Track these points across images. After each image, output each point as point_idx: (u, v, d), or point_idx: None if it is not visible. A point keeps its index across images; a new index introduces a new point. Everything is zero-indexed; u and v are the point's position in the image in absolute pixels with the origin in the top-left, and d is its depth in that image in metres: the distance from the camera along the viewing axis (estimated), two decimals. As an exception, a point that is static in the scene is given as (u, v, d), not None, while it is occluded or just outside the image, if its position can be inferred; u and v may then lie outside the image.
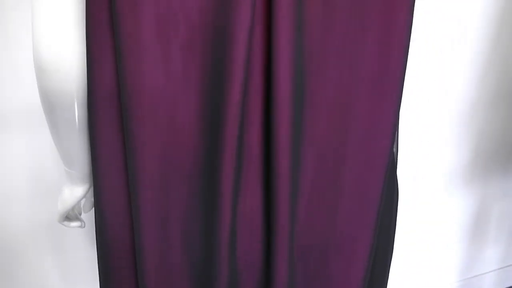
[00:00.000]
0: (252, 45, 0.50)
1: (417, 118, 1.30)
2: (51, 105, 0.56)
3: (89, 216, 1.09)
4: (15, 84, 0.97)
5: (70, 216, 0.73)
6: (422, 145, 1.34)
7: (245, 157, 0.54)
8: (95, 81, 0.53)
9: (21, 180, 1.06)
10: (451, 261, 1.55)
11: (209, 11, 0.48)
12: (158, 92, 0.51)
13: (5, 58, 0.95)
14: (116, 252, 0.62)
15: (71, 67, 0.53)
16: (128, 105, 0.51)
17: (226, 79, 0.49)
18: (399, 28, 0.53)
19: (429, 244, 1.49)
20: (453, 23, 1.21)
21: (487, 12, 1.23)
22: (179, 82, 0.51)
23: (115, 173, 0.57)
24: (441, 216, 1.46)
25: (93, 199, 0.72)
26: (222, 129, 0.51)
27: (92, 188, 0.68)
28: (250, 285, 0.59)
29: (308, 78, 0.51)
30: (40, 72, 0.53)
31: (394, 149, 0.65)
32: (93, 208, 0.71)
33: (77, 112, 0.57)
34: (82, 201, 0.74)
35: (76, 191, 0.66)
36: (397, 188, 0.68)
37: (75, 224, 0.74)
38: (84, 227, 0.75)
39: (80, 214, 0.76)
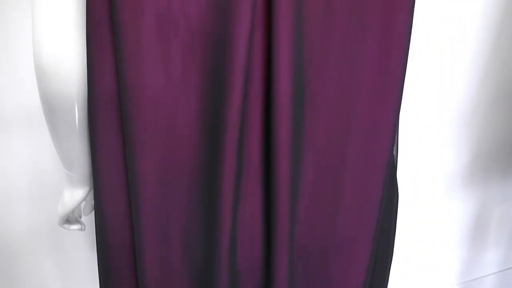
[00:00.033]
0: (252, 45, 0.50)
1: (417, 118, 1.30)
2: (51, 107, 0.56)
3: (89, 217, 1.09)
4: (15, 84, 0.97)
5: (70, 219, 0.73)
6: (422, 145, 1.34)
7: (245, 160, 0.54)
8: (95, 83, 0.53)
9: (21, 181, 1.06)
10: (451, 263, 1.55)
11: (209, 14, 0.48)
12: (158, 94, 0.51)
13: (5, 58, 0.95)
14: (116, 252, 0.62)
15: (72, 69, 0.53)
16: (128, 107, 0.51)
17: (226, 83, 0.49)
18: (399, 28, 0.53)
19: (429, 244, 1.49)
20: (453, 23, 1.21)
21: (487, 12, 1.23)
22: (179, 85, 0.51)
23: (115, 173, 0.57)
24: (441, 216, 1.46)
25: (93, 202, 0.72)
26: (222, 132, 0.51)
27: (92, 191, 0.68)
28: (250, 285, 0.59)
29: (308, 78, 0.51)
30: (41, 74, 0.53)
31: (394, 152, 0.65)
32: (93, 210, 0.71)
33: (77, 114, 0.56)
34: (82, 204, 0.73)
35: (76, 194, 0.66)
36: (397, 191, 0.68)
37: (75, 227, 0.73)
38: (84, 230, 0.75)
39: (80, 217, 0.76)
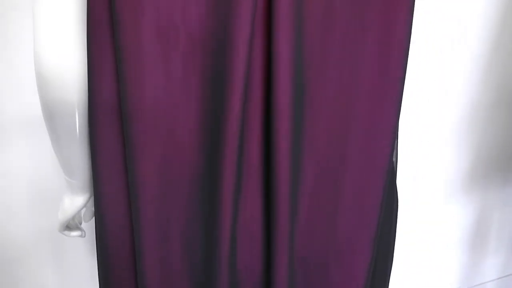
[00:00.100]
0: (253, 46, 0.50)
1: (417, 119, 1.30)
2: (52, 114, 0.56)
3: (89, 223, 1.09)
4: (15, 86, 0.97)
5: (70, 225, 0.73)
6: (422, 146, 1.34)
7: (245, 160, 0.54)
8: (95, 83, 0.53)
9: (21, 187, 1.05)
10: (451, 270, 1.55)
11: (209, 16, 0.48)
12: (158, 95, 0.51)
13: (5, 58, 0.95)
14: (116, 254, 0.61)
15: (73, 77, 0.52)
16: (128, 108, 0.51)
17: (226, 88, 0.49)
18: (399, 28, 0.53)
19: (428, 244, 1.49)
20: (453, 23, 1.21)
21: (488, 12, 1.23)
22: (179, 85, 0.51)
23: (115, 176, 0.57)
24: (441, 217, 1.46)
25: (93, 209, 0.72)
26: (222, 133, 0.50)
27: (92, 198, 0.68)
28: (250, 285, 0.59)
29: (308, 78, 0.51)
30: (42, 82, 0.53)
31: (394, 158, 0.65)
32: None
33: (78, 121, 0.56)
34: (83, 211, 0.73)
35: (76, 200, 0.66)
36: (397, 197, 0.68)
37: (75, 233, 0.73)
38: (85, 236, 0.75)
39: (81, 224, 0.76)
